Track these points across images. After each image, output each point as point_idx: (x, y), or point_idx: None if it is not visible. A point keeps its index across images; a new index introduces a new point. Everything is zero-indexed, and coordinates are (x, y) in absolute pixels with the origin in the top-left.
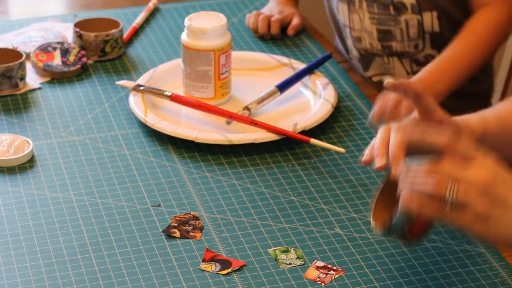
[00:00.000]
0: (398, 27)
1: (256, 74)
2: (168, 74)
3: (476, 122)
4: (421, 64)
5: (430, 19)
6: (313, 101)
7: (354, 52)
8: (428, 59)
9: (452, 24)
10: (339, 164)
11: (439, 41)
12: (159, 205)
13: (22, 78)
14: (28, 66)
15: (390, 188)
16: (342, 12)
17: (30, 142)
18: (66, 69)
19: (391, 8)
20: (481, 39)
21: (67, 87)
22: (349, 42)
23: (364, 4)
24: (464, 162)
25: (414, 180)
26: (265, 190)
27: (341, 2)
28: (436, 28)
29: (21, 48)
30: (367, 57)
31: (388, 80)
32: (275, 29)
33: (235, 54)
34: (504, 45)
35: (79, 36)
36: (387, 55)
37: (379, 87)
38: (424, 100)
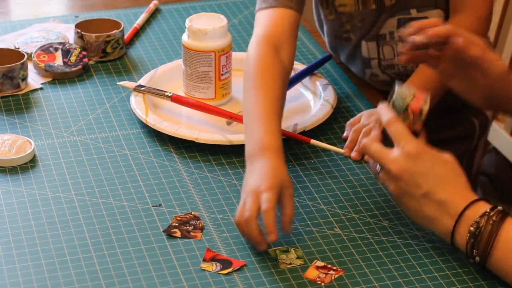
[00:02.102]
0: None
1: None
2: (169, 74)
3: None
4: None
5: None
6: (313, 102)
7: (381, 78)
8: None
9: None
10: (339, 164)
11: None
12: (160, 205)
13: (24, 78)
14: (30, 66)
15: None
16: (368, 49)
17: (32, 142)
18: (67, 69)
19: None
20: None
21: (69, 88)
22: (375, 71)
23: (396, 35)
24: (392, 149)
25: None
26: None
27: (367, 42)
28: None
29: (23, 49)
30: (396, 79)
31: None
32: None
33: (236, 55)
34: (503, 45)
35: (81, 37)
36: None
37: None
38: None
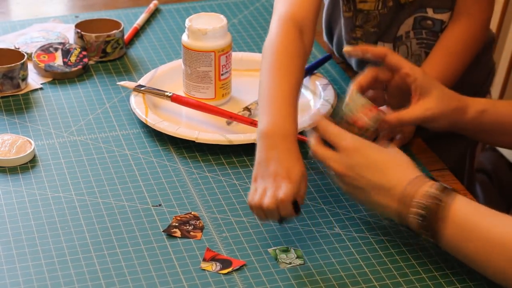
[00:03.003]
0: None
1: (256, 75)
2: (169, 74)
3: (480, 100)
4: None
5: None
6: (313, 101)
7: None
8: None
9: None
10: None
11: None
12: (160, 205)
13: (24, 78)
14: (30, 66)
15: None
16: None
17: (32, 142)
18: (67, 69)
19: (439, 35)
20: (453, 57)
21: (69, 88)
22: None
23: (412, 33)
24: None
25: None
26: None
27: (384, 43)
28: None
29: (23, 49)
30: None
31: (346, 48)
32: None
33: (235, 55)
34: (504, 44)
35: (80, 37)
36: None
37: None
38: (388, 58)
